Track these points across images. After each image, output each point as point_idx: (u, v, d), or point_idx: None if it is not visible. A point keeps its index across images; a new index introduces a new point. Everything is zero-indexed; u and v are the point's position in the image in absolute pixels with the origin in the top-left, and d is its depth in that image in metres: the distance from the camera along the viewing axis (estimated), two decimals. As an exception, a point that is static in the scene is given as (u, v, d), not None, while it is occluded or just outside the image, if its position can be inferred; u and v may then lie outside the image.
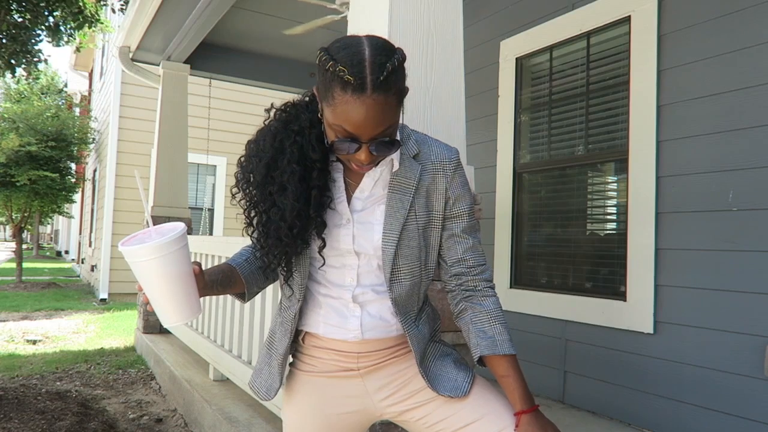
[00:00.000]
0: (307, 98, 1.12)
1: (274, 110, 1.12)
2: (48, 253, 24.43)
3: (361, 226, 1.12)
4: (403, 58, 1.01)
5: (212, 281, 1.11)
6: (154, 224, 1.03)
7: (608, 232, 3.24)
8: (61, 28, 5.30)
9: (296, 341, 1.23)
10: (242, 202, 1.11)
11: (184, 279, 1.00)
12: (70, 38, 5.53)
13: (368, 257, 1.13)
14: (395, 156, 1.10)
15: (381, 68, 0.95)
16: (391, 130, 1.00)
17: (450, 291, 1.19)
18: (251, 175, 1.10)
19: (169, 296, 0.99)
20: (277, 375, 1.19)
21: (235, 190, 1.12)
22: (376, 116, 0.95)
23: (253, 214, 1.11)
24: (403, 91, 1.01)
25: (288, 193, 1.05)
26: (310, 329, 1.18)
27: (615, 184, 3.22)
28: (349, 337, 1.14)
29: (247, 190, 1.10)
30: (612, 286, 3.12)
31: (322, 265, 1.14)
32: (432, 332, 1.21)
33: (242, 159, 1.12)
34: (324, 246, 1.10)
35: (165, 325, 1.05)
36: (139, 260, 0.97)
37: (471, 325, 1.14)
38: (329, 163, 1.12)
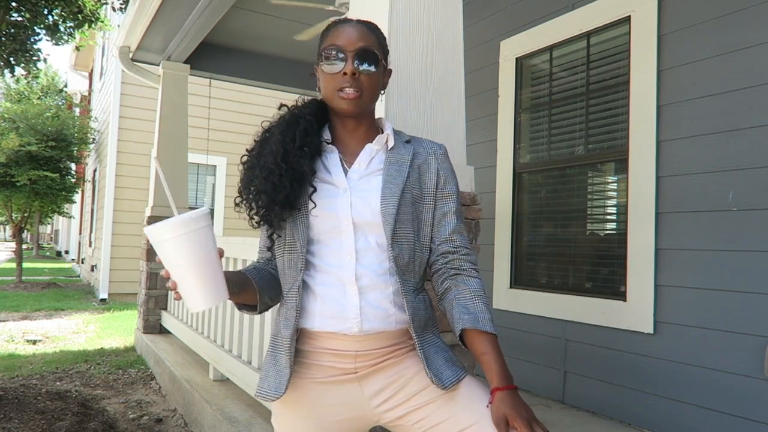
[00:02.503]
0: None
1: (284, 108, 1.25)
2: (48, 253, 24.43)
3: (359, 194, 1.16)
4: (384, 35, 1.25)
5: (227, 279, 1.10)
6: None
7: (608, 232, 3.24)
8: (60, 27, 5.30)
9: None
10: (247, 192, 1.19)
11: (211, 259, 0.99)
12: (70, 37, 5.52)
13: (365, 232, 1.14)
14: (389, 133, 1.22)
15: (364, 19, 1.23)
16: (373, 52, 1.17)
17: (436, 271, 1.21)
18: (250, 155, 1.21)
19: (195, 277, 0.98)
20: (285, 368, 1.15)
21: (240, 186, 1.21)
22: (360, 34, 1.17)
23: (251, 185, 1.18)
24: (385, 49, 1.23)
25: (275, 136, 1.18)
26: (306, 324, 1.16)
27: (615, 184, 3.22)
28: (347, 327, 1.12)
29: (250, 164, 1.20)
30: (612, 286, 3.12)
31: (320, 241, 1.16)
32: (427, 317, 1.20)
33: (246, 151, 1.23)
34: (314, 173, 1.16)
35: (193, 310, 1.03)
36: (163, 239, 0.96)
37: (454, 302, 1.16)
38: (321, 123, 1.24)
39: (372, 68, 1.16)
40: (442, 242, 1.20)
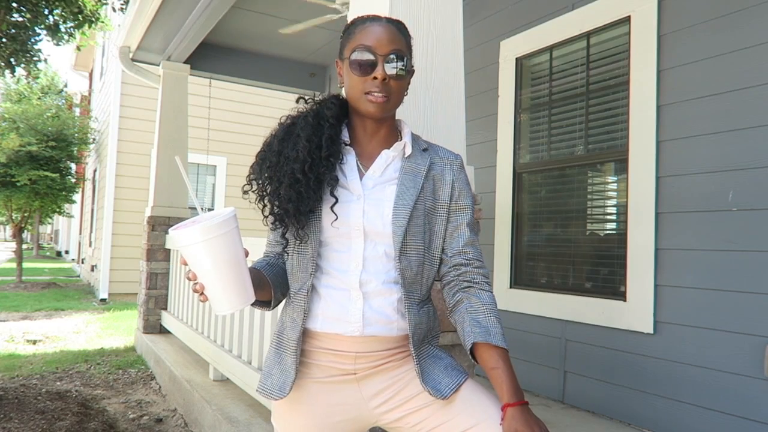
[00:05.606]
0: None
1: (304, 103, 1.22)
2: (48, 253, 24.41)
3: (372, 202, 1.14)
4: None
5: None
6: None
7: (608, 232, 3.24)
8: (61, 27, 5.30)
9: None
10: (261, 187, 1.16)
11: (239, 262, 0.98)
12: (70, 37, 5.53)
13: (375, 241, 1.14)
14: (408, 140, 1.20)
15: (393, 17, 1.20)
16: (403, 56, 1.15)
17: (448, 283, 1.20)
18: (269, 152, 1.17)
19: (224, 281, 0.96)
20: (291, 368, 1.15)
21: (253, 176, 1.18)
22: (391, 35, 1.14)
23: (268, 184, 1.14)
24: (411, 50, 1.21)
25: (302, 141, 1.14)
26: (308, 325, 1.16)
27: (615, 184, 3.22)
28: (349, 330, 1.12)
29: (269, 163, 1.16)
30: (612, 286, 3.12)
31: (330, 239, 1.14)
32: (428, 329, 1.20)
33: (265, 142, 1.20)
34: (336, 182, 1.13)
35: (219, 314, 1.01)
36: (193, 242, 0.95)
37: (466, 315, 1.15)
38: (341, 121, 1.20)
39: (402, 73, 1.14)
40: (454, 254, 1.19)
